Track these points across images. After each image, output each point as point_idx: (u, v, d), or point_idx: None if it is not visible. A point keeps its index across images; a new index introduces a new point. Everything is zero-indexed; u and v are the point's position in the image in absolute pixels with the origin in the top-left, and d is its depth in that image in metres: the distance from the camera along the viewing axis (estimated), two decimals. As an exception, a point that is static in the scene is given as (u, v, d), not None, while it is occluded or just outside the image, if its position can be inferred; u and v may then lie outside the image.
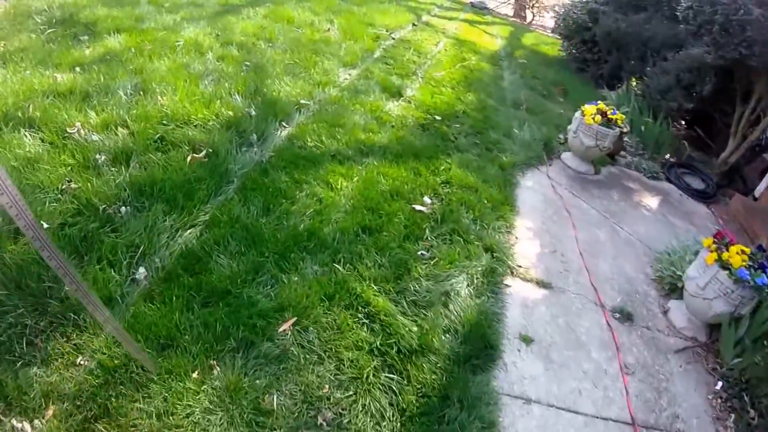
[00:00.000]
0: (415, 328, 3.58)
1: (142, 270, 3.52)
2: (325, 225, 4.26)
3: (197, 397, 2.85)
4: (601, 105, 6.95)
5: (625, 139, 8.17)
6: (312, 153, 5.21)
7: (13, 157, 4.09)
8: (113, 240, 3.59)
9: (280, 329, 3.30)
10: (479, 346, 3.67)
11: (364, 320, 3.53)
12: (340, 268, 3.88)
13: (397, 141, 5.91)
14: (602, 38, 11.88)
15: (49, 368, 2.89)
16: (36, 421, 2.70)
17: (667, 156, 8.31)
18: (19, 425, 2.70)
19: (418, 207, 4.74)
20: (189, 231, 3.89)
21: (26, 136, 4.37)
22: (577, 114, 7.01)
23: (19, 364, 2.88)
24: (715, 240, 4.53)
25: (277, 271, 3.72)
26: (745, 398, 4.00)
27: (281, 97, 6.04)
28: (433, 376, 3.32)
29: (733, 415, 3.92)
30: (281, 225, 4.15)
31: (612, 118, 6.84)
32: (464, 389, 3.30)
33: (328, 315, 3.49)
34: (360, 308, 3.60)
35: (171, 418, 2.76)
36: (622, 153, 8.04)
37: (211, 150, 4.72)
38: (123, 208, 3.91)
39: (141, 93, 5.44)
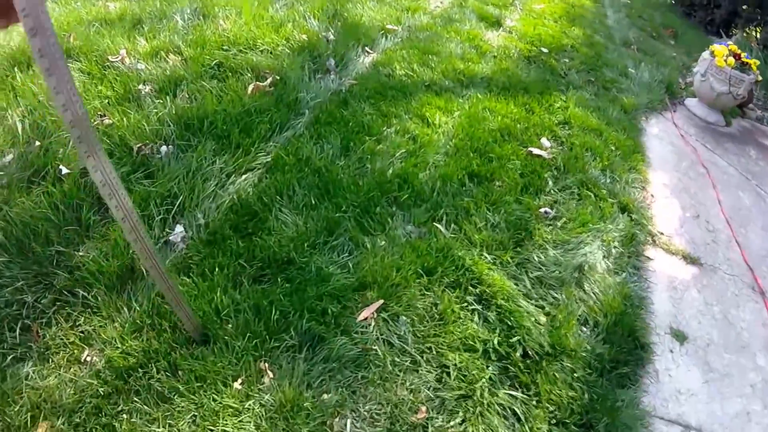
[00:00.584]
0: (543, 318, 2.53)
1: (179, 229, 2.59)
2: (420, 170, 3.21)
3: (239, 420, 1.91)
4: (732, 46, 5.68)
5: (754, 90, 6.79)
6: (402, 82, 4.13)
7: (41, 91, 3.19)
8: (146, 189, 2.66)
9: (360, 317, 2.31)
10: (627, 346, 2.60)
11: (475, 305, 2.50)
12: (442, 229, 2.84)
13: (501, 72, 4.75)
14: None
15: (45, 366, 2.03)
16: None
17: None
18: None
19: (535, 150, 3.63)
20: (244, 176, 2.93)
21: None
22: (706, 54, 5.75)
23: (9, 359, 2.04)
24: None
25: (358, 231, 2.72)
26: None
27: (364, 22, 4.95)
28: (570, 393, 2.28)
29: None
30: (363, 169, 3.13)
31: (746, 62, 5.57)
32: (612, 414, 2.26)
33: (427, 297, 2.48)
34: (469, 288, 2.56)
35: (200, 452, 1.85)
36: (751, 106, 6.65)
37: (278, 77, 3.70)
38: (163, 147, 2.98)
39: (201, 18, 4.45)
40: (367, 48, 4.57)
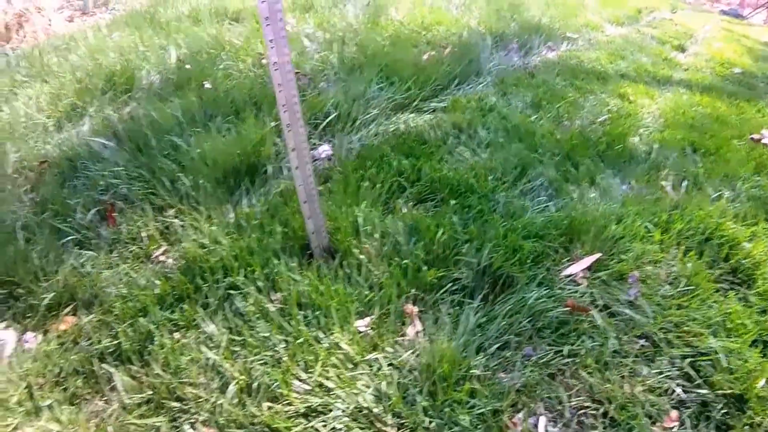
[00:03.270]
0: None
1: (324, 148, 1.77)
2: (630, 134, 2.20)
3: (350, 375, 0.99)
4: None
5: None
6: (593, 69, 3.15)
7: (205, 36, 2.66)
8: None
9: (567, 271, 1.30)
10: None
11: (729, 278, 1.40)
12: (669, 189, 1.80)
13: (698, 79, 3.61)
14: None
15: (108, 256, 1.31)
16: (28, 334, 1.16)
17: None
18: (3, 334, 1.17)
19: (757, 137, 2.46)
20: (412, 114, 2.06)
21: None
22: None
23: (68, 239, 1.35)
24: None
25: (559, 176, 1.73)
26: None
27: (543, 24, 4.01)
28: None
29: None
30: (561, 125, 2.18)
31: None
32: None
33: (660, 259, 1.41)
34: (719, 256, 1.46)
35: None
36: None
37: (456, 49, 2.85)
38: (322, 83, 2.22)
39: (372, 8, 3.69)
40: (549, 44, 3.63)
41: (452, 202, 1.41)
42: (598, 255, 1.34)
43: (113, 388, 0.99)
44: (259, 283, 1.12)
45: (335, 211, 1.33)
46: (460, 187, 1.50)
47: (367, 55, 2.55)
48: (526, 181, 1.64)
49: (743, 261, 1.43)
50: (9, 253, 1.27)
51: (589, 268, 1.32)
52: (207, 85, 2.11)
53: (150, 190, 1.45)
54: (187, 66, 2.32)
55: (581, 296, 1.23)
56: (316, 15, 3.25)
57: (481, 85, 2.58)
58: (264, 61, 2.43)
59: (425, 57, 2.80)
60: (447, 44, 3.02)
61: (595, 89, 2.74)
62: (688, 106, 2.75)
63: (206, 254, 1.18)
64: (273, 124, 1.74)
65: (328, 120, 1.87)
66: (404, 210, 1.39)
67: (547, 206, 1.55)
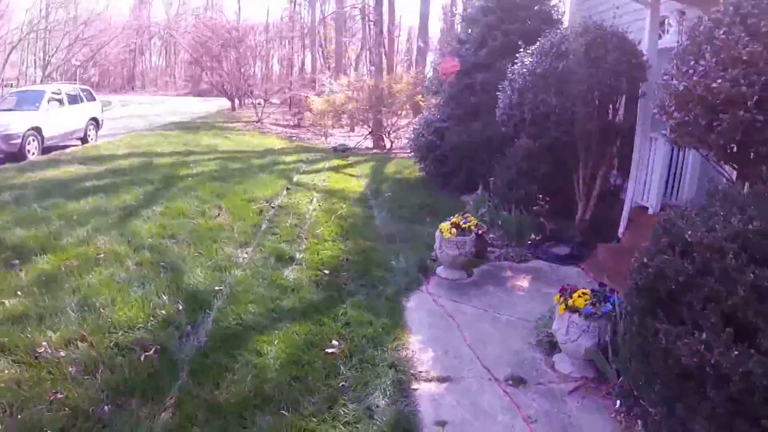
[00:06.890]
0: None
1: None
2: (264, 384, 4.91)
3: None
4: (455, 219, 8.04)
5: (491, 234, 9.33)
6: (236, 330, 5.94)
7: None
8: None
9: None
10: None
11: None
12: (287, 414, 4.69)
13: (299, 301, 6.73)
14: (451, 151, 12.92)
15: None
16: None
17: (533, 236, 8.91)
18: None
19: (329, 350, 5.59)
20: (162, 414, 4.73)
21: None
22: (437, 233, 8.12)
23: None
24: (561, 293, 5.36)
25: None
26: (643, 402, 4.17)
27: (199, 289, 7.13)
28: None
29: (639, 421, 4.35)
30: (234, 391, 5.04)
31: (465, 227, 8.02)
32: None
33: None
34: None
35: None
36: (490, 249, 8.96)
37: (159, 346, 5.69)
38: (106, 407, 4.68)
39: (86, 309, 6.38)
40: (207, 310, 6.41)
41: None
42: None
43: None
44: None
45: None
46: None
47: (116, 377, 5.20)
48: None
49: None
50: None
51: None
52: None
53: None
54: None
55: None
56: (53, 327, 5.65)
57: (183, 376, 5.15)
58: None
59: (143, 358, 5.53)
60: (152, 344, 5.75)
61: (242, 351, 5.59)
62: (293, 342, 5.86)
63: None
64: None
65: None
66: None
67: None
